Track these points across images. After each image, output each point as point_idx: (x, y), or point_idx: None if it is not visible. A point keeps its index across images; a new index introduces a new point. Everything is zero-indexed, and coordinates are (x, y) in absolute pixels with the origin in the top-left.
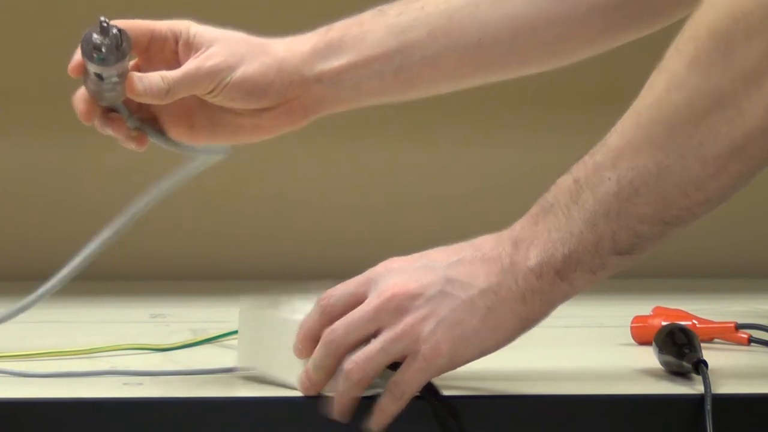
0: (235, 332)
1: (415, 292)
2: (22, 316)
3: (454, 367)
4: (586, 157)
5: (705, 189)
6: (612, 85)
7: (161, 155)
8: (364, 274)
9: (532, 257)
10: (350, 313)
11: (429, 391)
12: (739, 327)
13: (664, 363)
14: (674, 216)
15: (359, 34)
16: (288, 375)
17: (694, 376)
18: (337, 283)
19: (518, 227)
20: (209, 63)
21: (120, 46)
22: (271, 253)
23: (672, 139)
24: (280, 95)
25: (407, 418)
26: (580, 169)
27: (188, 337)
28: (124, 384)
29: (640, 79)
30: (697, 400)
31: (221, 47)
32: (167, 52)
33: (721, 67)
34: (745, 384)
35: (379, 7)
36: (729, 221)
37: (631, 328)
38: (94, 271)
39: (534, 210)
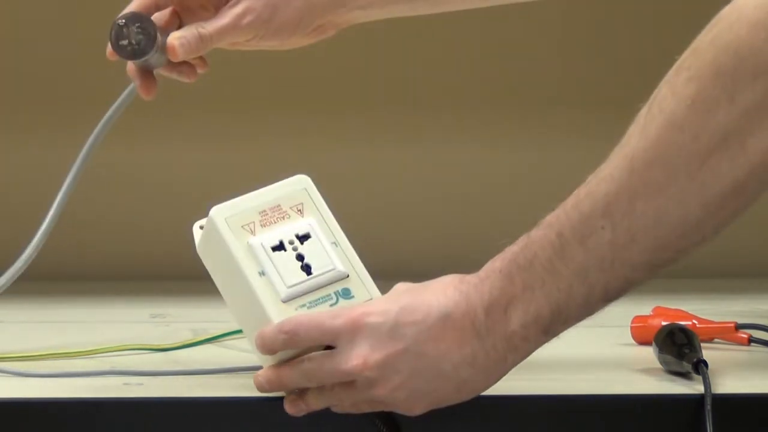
0: (235, 332)
1: (384, 365)
2: (22, 316)
3: None
4: (567, 209)
5: (703, 230)
6: (613, 86)
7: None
8: (331, 319)
9: (515, 320)
10: (324, 361)
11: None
12: (739, 327)
13: (664, 363)
14: (668, 259)
15: None
16: (232, 308)
17: (694, 376)
18: None
19: (487, 287)
20: (245, 21)
21: (148, 34)
22: None
23: (673, 182)
24: (311, 30)
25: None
26: (562, 221)
27: (188, 337)
28: (124, 384)
29: (638, 82)
30: (697, 400)
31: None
32: None
33: (727, 106)
34: (745, 384)
35: None
36: None
37: (631, 328)
38: (94, 272)
39: (502, 265)
